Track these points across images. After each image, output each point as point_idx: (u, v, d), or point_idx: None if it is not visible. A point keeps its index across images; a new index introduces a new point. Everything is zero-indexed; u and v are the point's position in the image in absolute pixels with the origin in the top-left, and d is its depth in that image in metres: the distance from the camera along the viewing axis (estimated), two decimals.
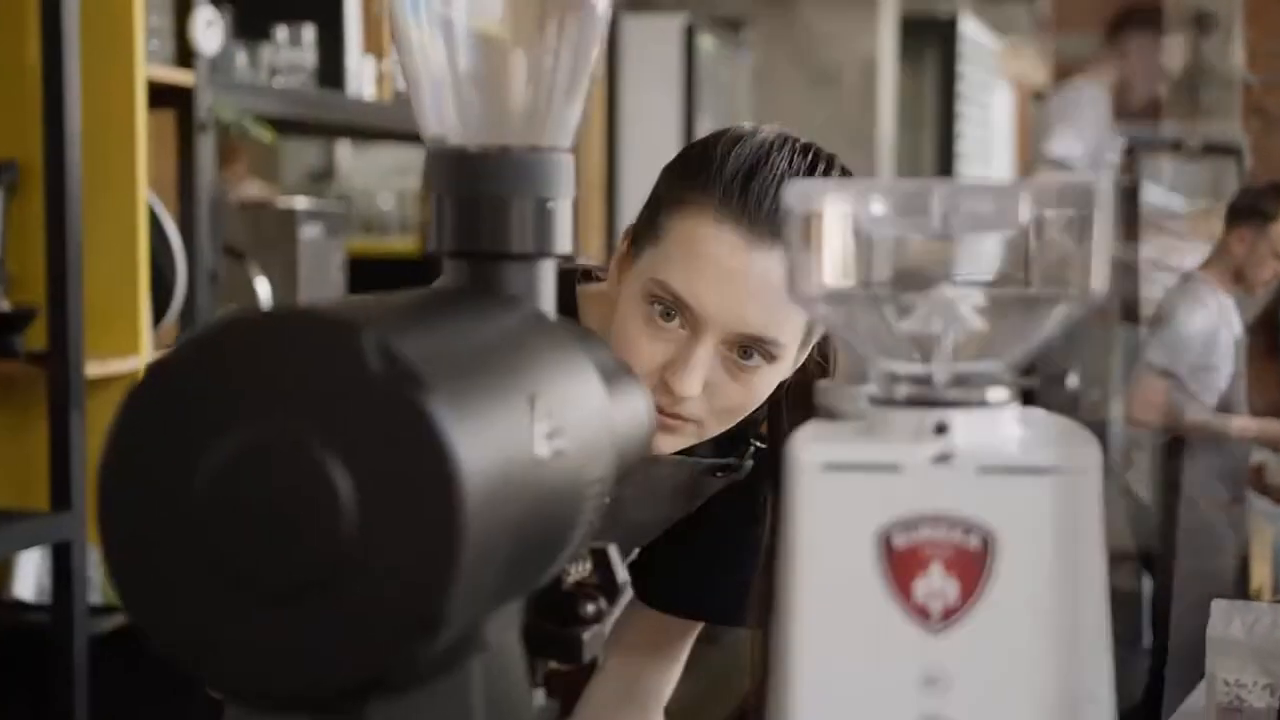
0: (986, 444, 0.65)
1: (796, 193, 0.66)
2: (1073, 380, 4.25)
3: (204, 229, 2.72)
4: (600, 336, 0.83)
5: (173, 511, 0.60)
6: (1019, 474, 0.63)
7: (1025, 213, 0.64)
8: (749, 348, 1.26)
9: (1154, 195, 6.16)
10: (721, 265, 1.24)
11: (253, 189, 4.09)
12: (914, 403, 0.66)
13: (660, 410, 1.25)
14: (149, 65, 2.57)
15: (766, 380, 1.28)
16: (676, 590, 1.50)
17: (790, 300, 0.68)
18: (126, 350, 2.53)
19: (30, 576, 2.73)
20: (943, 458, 0.64)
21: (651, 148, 5.13)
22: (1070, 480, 0.63)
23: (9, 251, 2.46)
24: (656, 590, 1.47)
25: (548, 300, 0.77)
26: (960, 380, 0.67)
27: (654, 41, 5.09)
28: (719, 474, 1.42)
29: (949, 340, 0.67)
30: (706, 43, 5.34)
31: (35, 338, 2.43)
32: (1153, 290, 4.22)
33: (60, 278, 2.38)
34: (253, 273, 2.96)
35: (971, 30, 7.53)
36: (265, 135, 2.81)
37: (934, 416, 0.65)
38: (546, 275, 0.77)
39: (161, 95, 2.66)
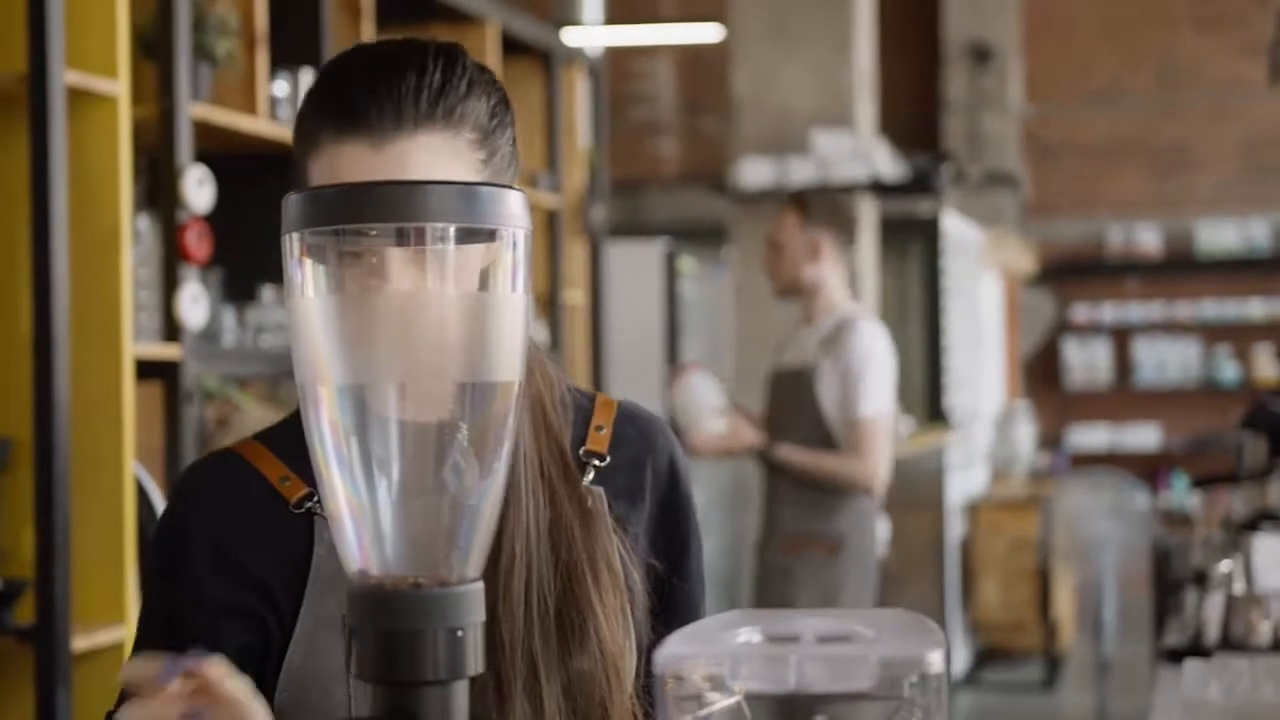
0: None
1: (666, 656, 0.74)
2: None
3: None
4: None
5: None
6: None
7: (868, 679, 0.72)
8: None
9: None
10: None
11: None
12: None
13: None
14: (137, 342, 2.68)
15: None
16: None
17: None
18: (112, 620, 2.59)
19: None
20: None
21: (636, 366, 5.28)
22: None
23: (1, 527, 2.54)
24: None
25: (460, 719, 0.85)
26: None
27: (638, 266, 5.27)
28: None
29: None
30: (687, 264, 5.51)
31: (23, 611, 2.50)
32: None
33: (49, 553, 2.46)
34: None
35: (954, 225, 7.68)
36: (246, 402, 2.92)
37: None
38: (460, 696, 0.85)
39: (150, 368, 2.77)
